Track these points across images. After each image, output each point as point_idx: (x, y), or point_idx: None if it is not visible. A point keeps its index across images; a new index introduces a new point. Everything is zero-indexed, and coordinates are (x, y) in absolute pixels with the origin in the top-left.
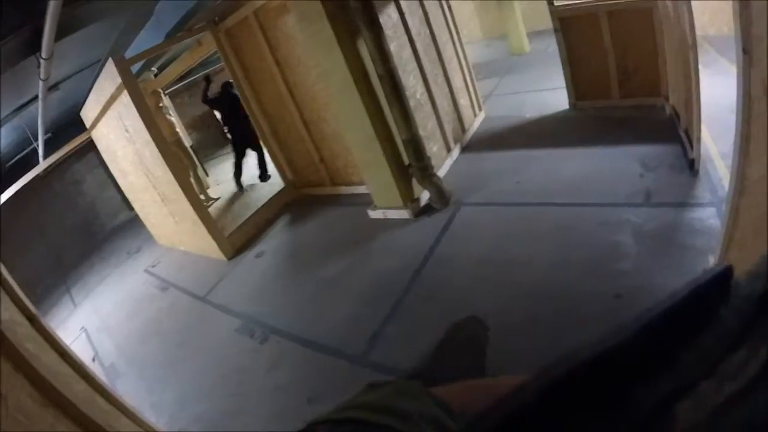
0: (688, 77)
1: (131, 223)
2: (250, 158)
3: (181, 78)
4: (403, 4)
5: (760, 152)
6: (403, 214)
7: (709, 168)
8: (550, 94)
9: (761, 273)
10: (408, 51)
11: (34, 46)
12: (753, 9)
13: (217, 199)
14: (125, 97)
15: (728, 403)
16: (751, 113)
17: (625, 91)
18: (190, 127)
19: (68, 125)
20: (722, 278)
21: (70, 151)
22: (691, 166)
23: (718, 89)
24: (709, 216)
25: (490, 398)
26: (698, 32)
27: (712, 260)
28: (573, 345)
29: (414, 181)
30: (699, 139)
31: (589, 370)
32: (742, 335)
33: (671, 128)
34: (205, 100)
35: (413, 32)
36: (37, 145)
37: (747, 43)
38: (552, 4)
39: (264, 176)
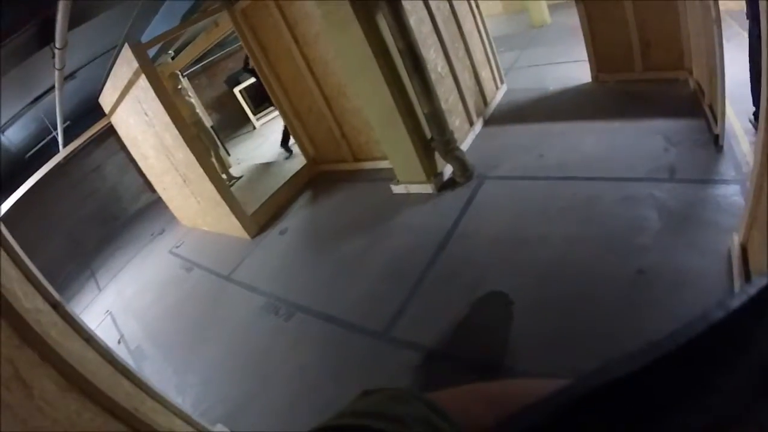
0: (712, 52)
1: (154, 206)
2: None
3: (199, 60)
4: None
5: None
6: (426, 188)
7: (734, 144)
8: (572, 67)
9: None
10: (428, 25)
11: (48, 37)
12: None
13: (239, 177)
14: (143, 82)
15: None
16: None
17: (647, 64)
18: (209, 107)
19: (86, 112)
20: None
21: (89, 138)
22: (716, 142)
23: (739, 65)
24: (733, 193)
25: (487, 402)
26: (721, 6)
27: (736, 238)
28: (604, 355)
29: (436, 155)
30: (723, 114)
31: (612, 391)
32: None
33: (695, 103)
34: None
35: (432, 6)
36: (57, 134)
37: None
38: None
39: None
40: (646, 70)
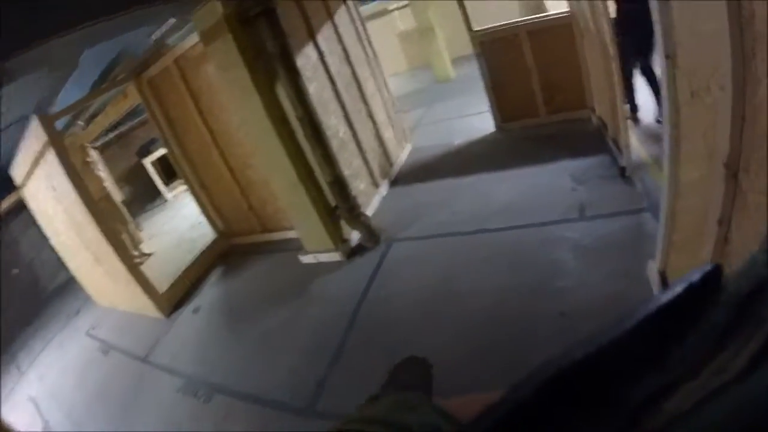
0: (612, 87)
1: (70, 284)
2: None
3: (111, 129)
4: (322, 44)
5: (691, 155)
6: (335, 256)
7: (641, 172)
8: (477, 119)
9: (748, 271)
10: (329, 91)
11: None
12: (673, 14)
13: (151, 254)
14: (51, 156)
15: (712, 396)
16: (680, 117)
17: (551, 107)
18: (121, 179)
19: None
20: (711, 278)
21: (3, 211)
22: (623, 174)
23: (645, 92)
24: (645, 221)
25: None
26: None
27: (653, 265)
28: (528, 368)
29: (343, 222)
30: (628, 146)
31: (579, 370)
32: (729, 333)
33: (599, 139)
34: None
35: (333, 71)
36: None
37: (669, 48)
38: (471, 30)
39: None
40: (550, 113)
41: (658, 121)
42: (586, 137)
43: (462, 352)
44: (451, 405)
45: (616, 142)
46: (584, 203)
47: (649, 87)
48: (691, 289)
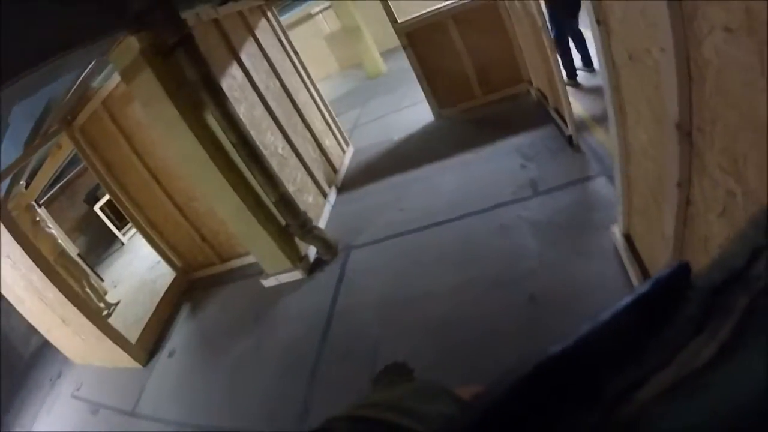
0: (546, 58)
1: (46, 347)
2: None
3: (54, 182)
4: (246, 61)
5: (638, 117)
6: (296, 275)
7: (588, 138)
8: (414, 110)
9: (720, 263)
10: (260, 108)
11: None
12: None
13: (117, 303)
14: None
15: (682, 383)
16: (620, 81)
17: (487, 87)
18: (74, 230)
19: None
20: (682, 272)
21: None
22: (570, 143)
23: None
24: (600, 187)
25: None
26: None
27: (616, 231)
28: (504, 362)
29: (297, 239)
30: (571, 113)
31: (554, 366)
32: (701, 324)
33: (542, 111)
34: None
35: (261, 88)
36: None
37: (599, 14)
38: (396, 22)
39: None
40: (486, 93)
41: (584, 70)
42: (528, 112)
43: (439, 352)
44: (468, 392)
45: (558, 111)
46: (536, 179)
47: (577, 46)
48: (662, 284)
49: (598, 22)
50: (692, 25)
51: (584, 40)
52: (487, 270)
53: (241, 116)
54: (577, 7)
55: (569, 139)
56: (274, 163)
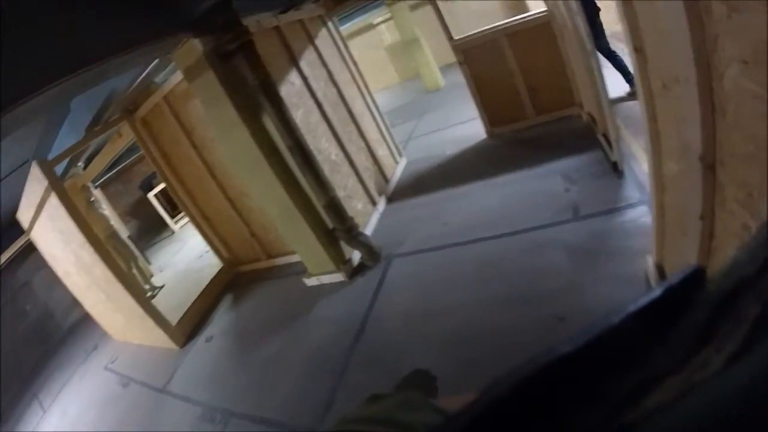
0: (594, 83)
1: (85, 321)
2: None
3: (111, 166)
4: (305, 68)
5: (670, 147)
6: (338, 277)
7: (634, 166)
8: (468, 126)
9: (730, 271)
10: (316, 115)
11: None
12: (636, 6)
13: (162, 287)
14: (54, 199)
15: (690, 391)
16: (656, 110)
17: (538, 108)
18: (126, 215)
19: (8, 227)
20: (695, 278)
21: (14, 253)
22: (615, 169)
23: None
24: (640, 215)
25: None
26: (607, 31)
27: (650, 260)
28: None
29: (342, 243)
30: (617, 140)
31: (560, 367)
32: (710, 331)
33: (590, 135)
34: None
35: (319, 95)
36: None
37: (637, 41)
38: (452, 39)
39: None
40: (538, 114)
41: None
42: (577, 135)
43: (464, 364)
44: (452, 404)
45: (606, 137)
46: (578, 203)
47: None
48: (673, 290)
49: (635, 49)
50: (714, 56)
51: (619, 60)
52: (519, 288)
53: (297, 121)
54: (598, 33)
55: (614, 165)
56: (326, 169)
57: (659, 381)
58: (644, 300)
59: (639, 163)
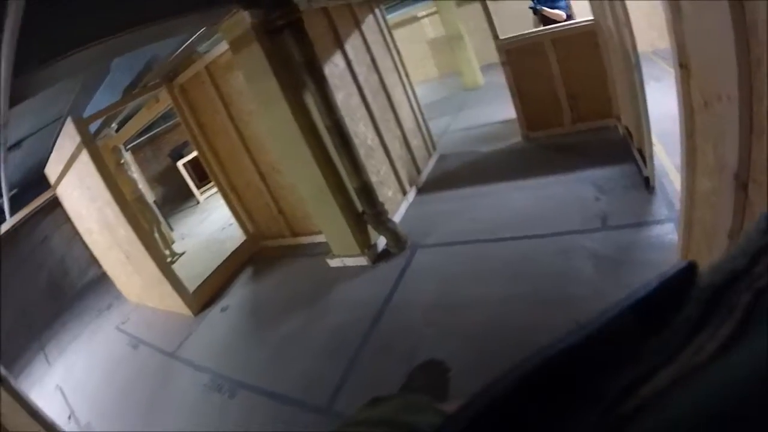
0: (635, 97)
1: (101, 280)
2: None
3: (143, 132)
4: (349, 52)
5: (705, 164)
6: (361, 261)
7: (665, 183)
8: (504, 127)
9: (722, 266)
10: (356, 99)
11: None
12: (685, 24)
13: (182, 254)
14: (85, 157)
15: (683, 379)
16: (695, 126)
17: (576, 116)
18: (154, 181)
19: (34, 182)
20: (687, 273)
21: (36, 208)
22: (647, 184)
23: (671, 102)
24: (667, 232)
25: None
26: (648, 47)
27: None
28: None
29: (369, 227)
30: (651, 156)
31: (558, 363)
32: (702, 323)
33: (625, 148)
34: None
35: (361, 79)
36: (3, 204)
37: (683, 57)
38: (498, 38)
39: None
40: (575, 122)
41: None
42: (612, 147)
43: (476, 358)
44: (452, 409)
45: (641, 152)
46: (607, 213)
47: None
48: (665, 284)
49: (681, 65)
50: (756, 77)
51: None
52: (539, 289)
53: (338, 103)
54: None
55: (646, 180)
56: (361, 152)
57: (653, 373)
58: (638, 294)
59: (671, 182)
